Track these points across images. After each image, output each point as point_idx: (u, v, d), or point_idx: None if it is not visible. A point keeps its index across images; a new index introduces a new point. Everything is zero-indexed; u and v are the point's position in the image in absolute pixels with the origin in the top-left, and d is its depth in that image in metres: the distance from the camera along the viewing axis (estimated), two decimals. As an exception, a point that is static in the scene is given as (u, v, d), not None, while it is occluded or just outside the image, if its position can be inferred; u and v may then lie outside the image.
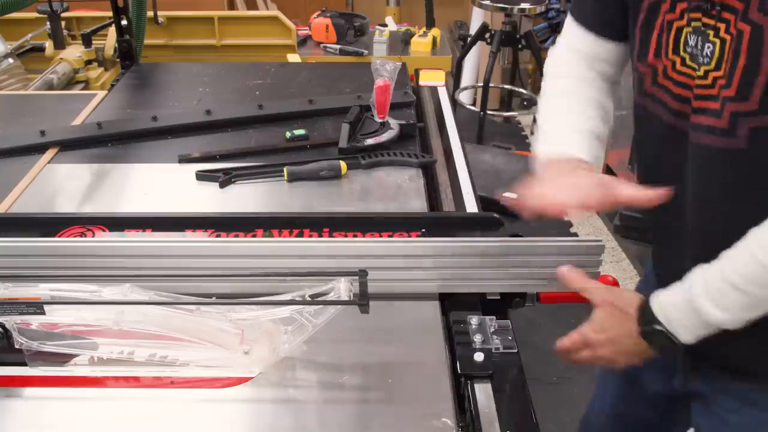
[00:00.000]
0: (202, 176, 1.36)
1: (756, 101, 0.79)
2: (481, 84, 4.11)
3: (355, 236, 1.12)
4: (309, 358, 0.91)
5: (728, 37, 0.80)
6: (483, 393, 0.86)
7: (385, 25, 3.27)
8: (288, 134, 1.51)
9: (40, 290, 0.86)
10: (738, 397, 1.00)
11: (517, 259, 1.01)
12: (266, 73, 1.93)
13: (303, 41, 3.14)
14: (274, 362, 0.89)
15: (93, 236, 1.13)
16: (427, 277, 1.03)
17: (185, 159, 1.43)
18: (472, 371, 0.89)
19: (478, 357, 0.90)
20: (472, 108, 4.33)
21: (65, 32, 2.45)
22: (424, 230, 1.14)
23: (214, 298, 0.90)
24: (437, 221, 1.19)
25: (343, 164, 1.36)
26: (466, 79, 4.16)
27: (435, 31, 3.21)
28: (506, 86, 4.55)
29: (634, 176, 1.06)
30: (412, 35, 3.17)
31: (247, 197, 1.32)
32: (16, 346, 0.86)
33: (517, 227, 1.14)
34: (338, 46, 3.07)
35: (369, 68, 1.50)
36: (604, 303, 0.95)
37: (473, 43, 3.87)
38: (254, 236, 1.13)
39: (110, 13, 1.99)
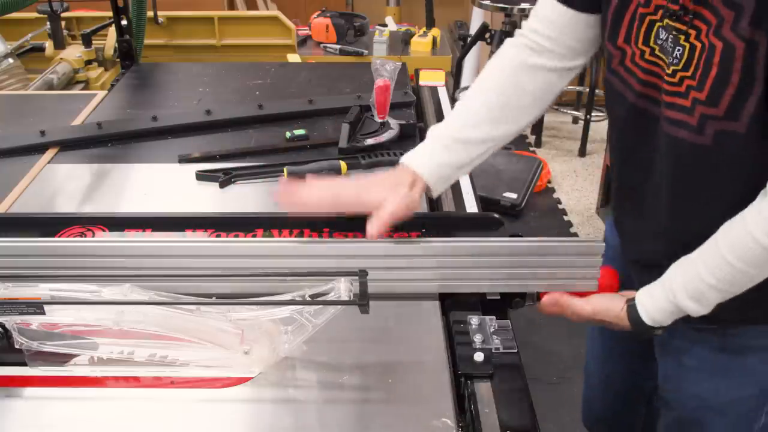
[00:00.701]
0: (202, 176, 1.36)
1: (723, 109, 0.84)
2: (481, 84, 4.11)
3: (355, 236, 1.12)
4: (309, 358, 0.91)
5: (698, 45, 0.84)
6: (483, 393, 0.86)
7: (385, 25, 3.28)
8: (288, 134, 1.51)
9: (40, 290, 0.86)
10: (687, 338, 1.08)
11: (517, 259, 1.01)
12: (266, 73, 1.93)
13: (303, 41, 3.15)
14: (274, 362, 0.89)
15: (93, 236, 1.13)
16: (427, 277, 1.03)
17: (185, 159, 1.43)
18: (472, 371, 0.89)
19: (478, 357, 0.90)
20: (472, 108, 4.31)
21: (65, 32, 2.45)
22: (424, 230, 1.14)
23: (214, 298, 0.90)
24: (437, 221, 1.19)
25: (343, 164, 1.36)
26: (466, 79, 4.16)
27: (435, 31, 3.21)
28: (506, 86, 4.54)
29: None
30: (412, 35, 3.17)
31: (247, 197, 1.32)
32: (16, 346, 0.86)
33: (517, 227, 1.14)
34: (338, 46, 3.07)
35: (369, 68, 1.50)
36: (594, 316, 1.01)
37: (473, 43, 3.87)
38: (254, 236, 1.13)
39: (110, 13, 1.98)
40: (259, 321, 0.87)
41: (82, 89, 2.16)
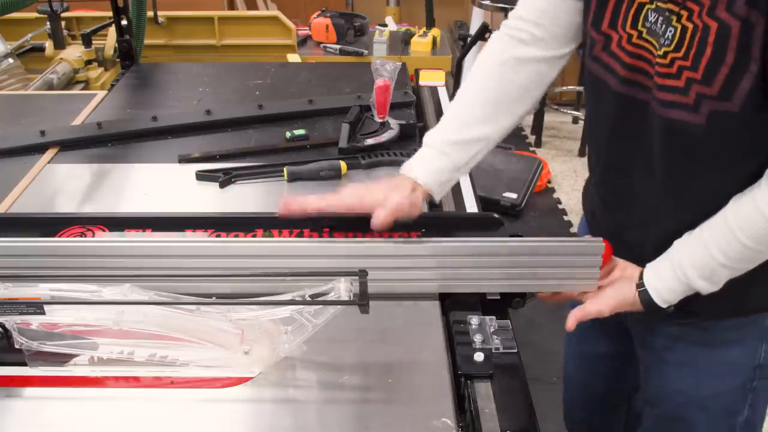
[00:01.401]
0: (202, 176, 1.36)
1: (717, 89, 0.84)
2: (481, 84, 4.10)
3: (355, 236, 1.12)
4: (309, 358, 0.91)
5: (690, 26, 0.84)
6: (483, 393, 0.86)
7: (385, 25, 3.28)
8: (288, 134, 1.51)
9: (40, 290, 0.86)
10: (667, 334, 1.10)
11: (517, 259, 1.01)
12: (266, 73, 1.93)
13: (303, 41, 3.15)
14: (274, 362, 0.89)
15: (93, 236, 1.13)
16: (427, 277, 1.03)
17: (185, 159, 1.43)
18: (472, 371, 0.89)
19: (478, 357, 0.90)
20: (472, 108, 4.31)
21: (65, 32, 2.45)
22: (424, 230, 1.14)
23: (214, 298, 0.90)
24: (437, 221, 1.19)
25: (343, 164, 1.36)
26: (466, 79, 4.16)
27: (435, 31, 3.21)
28: (506, 86, 4.53)
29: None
30: (412, 35, 3.17)
31: (247, 197, 1.32)
32: (16, 346, 0.86)
33: (517, 227, 1.14)
34: (338, 46, 3.07)
35: (369, 68, 1.50)
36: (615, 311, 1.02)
37: (473, 43, 3.87)
38: (254, 236, 1.13)
39: (110, 13, 1.99)
40: (259, 321, 0.87)
41: (82, 89, 2.16)
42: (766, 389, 1.11)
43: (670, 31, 0.86)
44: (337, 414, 0.85)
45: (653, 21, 0.89)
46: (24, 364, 0.88)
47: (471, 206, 1.29)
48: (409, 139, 1.50)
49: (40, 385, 0.89)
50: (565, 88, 4.48)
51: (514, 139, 4.22)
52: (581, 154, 4.11)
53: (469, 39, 3.94)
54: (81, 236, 1.12)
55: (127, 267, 1.01)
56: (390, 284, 1.00)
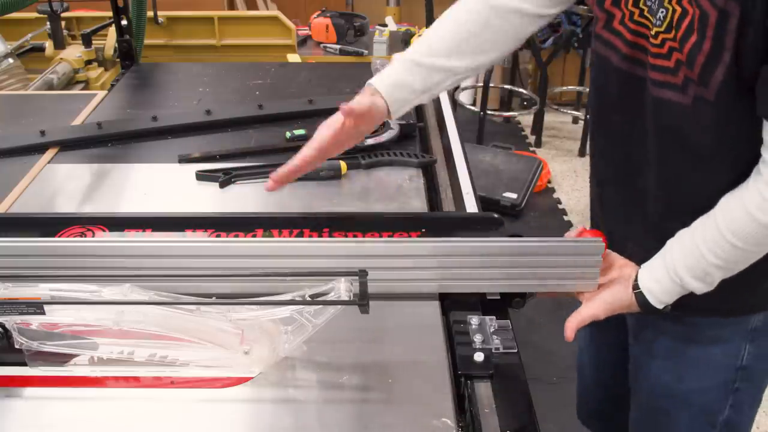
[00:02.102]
0: (202, 176, 1.36)
1: (697, 74, 0.86)
2: (480, 84, 4.12)
3: (355, 236, 1.12)
4: (309, 358, 0.91)
5: (679, 9, 0.86)
6: (483, 393, 0.86)
7: (385, 25, 3.27)
8: (288, 134, 1.51)
9: (40, 290, 0.86)
10: (655, 328, 1.11)
11: (517, 259, 1.01)
12: (266, 73, 1.93)
13: (303, 41, 3.14)
14: (274, 362, 0.89)
15: (93, 236, 1.13)
16: (427, 277, 1.03)
17: (185, 159, 1.43)
18: (472, 371, 0.89)
19: (478, 357, 0.90)
20: (472, 108, 4.33)
21: (65, 32, 2.45)
22: (424, 230, 1.14)
23: (214, 298, 0.90)
24: (437, 221, 1.19)
25: (343, 164, 1.36)
26: (466, 79, 4.17)
27: (435, 31, 3.21)
28: (506, 86, 4.55)
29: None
30: (412, 35, 3.16)
31: (247, 197, 1.32)
32: (16, 346, 0.86)
33: (517, 227, 1.14)
34: (338, 46, 3.07)
35: (369, 68, 1.50)
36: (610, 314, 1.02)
37: (473, 43, 3.87)
38: (254, 236, 1.13)
39: (110, 13, 1.99)
40: (259, 321, 0.87)
41: (82, 89, 2.16)
42: (749, 392, 1.12)
43: (662, 12, 0.88)
44: (337, 414, 0.85)
45: (652, 0, 0.91)
46: (24, 364, 0.88)
47: (471, 206, 1.29)
48: (409, 138, 1.50)
49: (40, 385, 0.89)
50: (565, 88, 4.49)
51: (514, 139, 4.22)
52: (581, 154, 4.11)
53: (469, 39, 3.95)
54: (81, 236, 1.12)
55: (127, 267, 1.01)
56: (390, 284, 1.00)
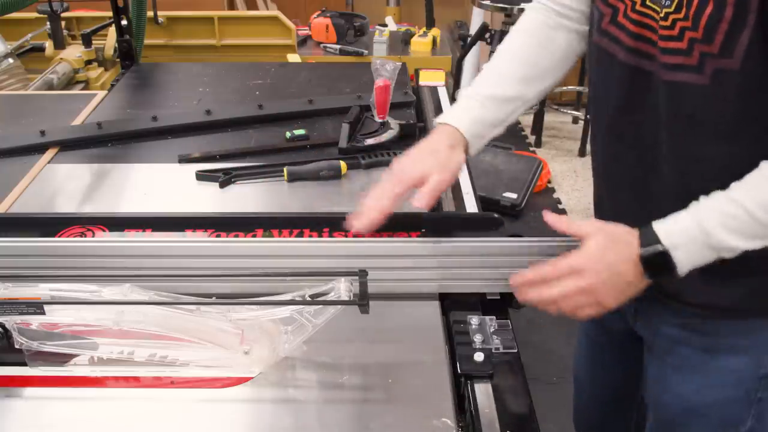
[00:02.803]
0: (202, 176, 1.36)
1: (717, 45, 0.84)
2: (481, 84, 4.10)
3: (355, 236, 1.12)
4: (309, 358, 0.91)
5: None
6: (483, 393, 0.86)
7: (385, 25, 3.28)
8: (288, 134, 1.51)
9: (40, 290, 0.86)
10: (671, 338, 1.08)
11: (517, 259, 1.01)
12: (266, 73, 1.93)
13: (303, 41, 3.15)
14: (274, 362, 0.89)
15: (93, 236, 1.13)
16: (427, 277, 1.03)
17: (185, 159, 1.43)
18: (472, 371, 0.89)
19: (478, 357, 0.90)
20: (472, 108, 4.30)
21: (65, 32, 2.45)
22: (424, 230, 1.14)
23: (214, 298, 0.90)
24: (437, 221, 1.19)
25: (343, 164, 1.36)
26: (466, 79, 4.16)
27: (435, 31, 3.22)
28: (506, 86, 4.53)
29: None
30: (412, 35, 3.17)
31: (247, 197, 1.32)
32: (16, 346, 0.86)
33: (517, 227, 1.14)
34: (338, 46, 3.07)
35: (369, 68, 1.50)
36: (599, 231, 0.93)
37: (473, 43, 3.87)
38: (254, 236, 1.13)
39: (110, 13, 1.99)
40: (259, 321, 0.87)
41: (82, 89, 2.16)
42: None
43: None
44: (337, 414, 0.85)
45: None
46: (24, 364, 0.88)
47: (471, 206, 1.29)
48: (409, 139, 1.50)
49: (40, 385, 0.89)
50: (565, 88, 4.48)
51: (514, 139, 4.22)
52: (581, 154, 4.11)
53: (469, 39, 3.94)
54: (81, 236, 1.12)
55: (127, 267, 1.01)
56: (390, 284, 1.00)
